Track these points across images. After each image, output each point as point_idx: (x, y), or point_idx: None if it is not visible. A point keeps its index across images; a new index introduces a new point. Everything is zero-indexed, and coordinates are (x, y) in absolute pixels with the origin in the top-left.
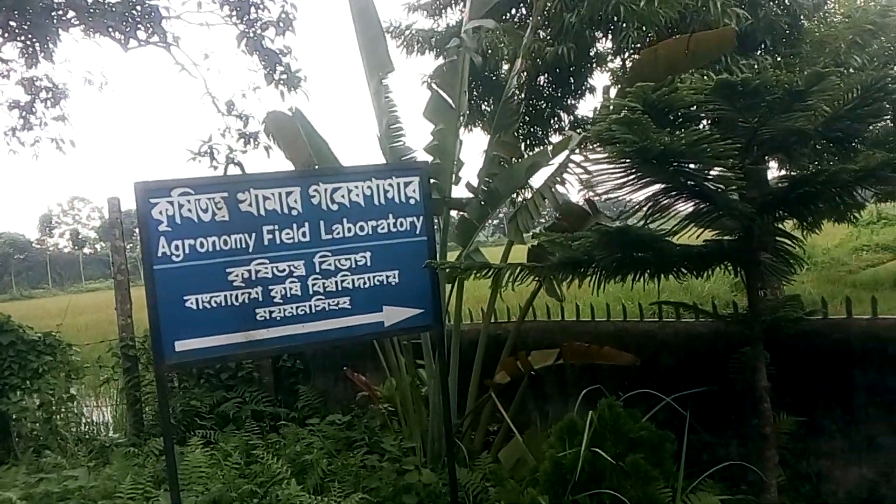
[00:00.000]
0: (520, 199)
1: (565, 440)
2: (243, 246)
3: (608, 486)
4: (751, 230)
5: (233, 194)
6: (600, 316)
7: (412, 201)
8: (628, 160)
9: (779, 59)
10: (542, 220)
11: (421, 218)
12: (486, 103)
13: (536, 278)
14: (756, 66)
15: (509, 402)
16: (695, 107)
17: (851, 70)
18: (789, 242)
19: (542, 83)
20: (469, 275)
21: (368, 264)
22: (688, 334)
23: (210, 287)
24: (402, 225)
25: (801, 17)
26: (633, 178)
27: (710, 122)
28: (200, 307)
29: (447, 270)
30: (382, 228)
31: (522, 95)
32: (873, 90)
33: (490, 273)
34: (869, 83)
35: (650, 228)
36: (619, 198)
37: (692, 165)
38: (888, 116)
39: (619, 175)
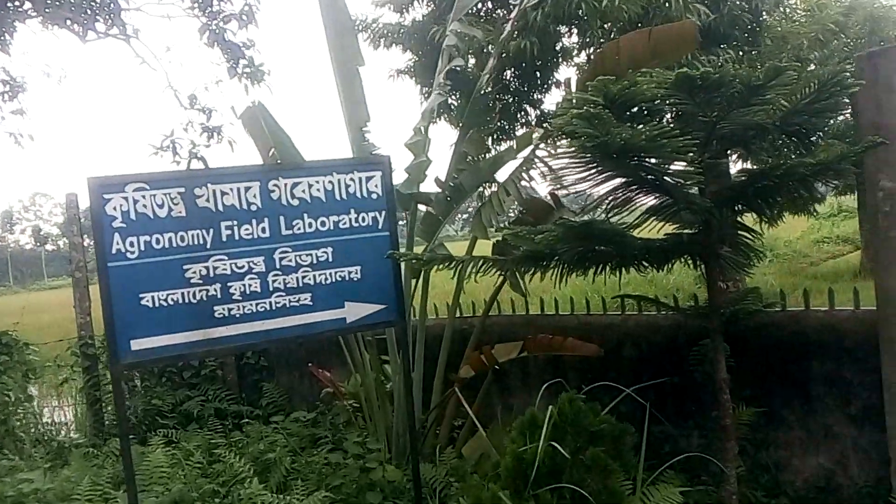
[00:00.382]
0: (487, 193)
1: (526, 435)
2: (201, 242)
3: (568, 480)
4: (710, 224)
5: (189, 189)
6: (565, 310)
7: (374, 196)
8: (589, 154)
9: (741, 54)
10: (511, 215)
11: (383, 213)
12: (452, 97)
13: (500, 272)
14: (718, 61)
15: (475, 397)
16: (658, 101)
17: (813, 66)
18: (748, 235)
19: (508, 78)
20: (431, 268)
21: (330, 260)
22: (650, 327)
23: (166, 284)
24: (364, 220)
25: (763, 13)
26: (594, 173)
27: (671, 116)
28: (157, 305)
29: (412, 264)
30: (344, 224)
31: (490, 90)
32: (829, 85)
33: (453, 266)
34: (826, 78)
35: (612, 222)
36: (582, 192)
37: (653, 160)
38: (846, 111)
39: (580, 169)
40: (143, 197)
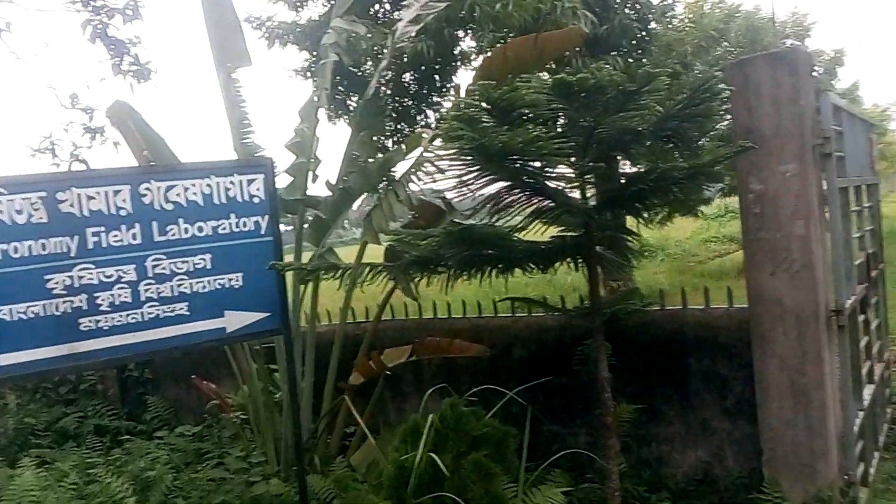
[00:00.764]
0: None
1: (408, 442)
2: (64, 250)
3: (450, 487)
4: (589, 226)
5: (52, 194)
6: (458, 313)
7: (256, 200)
8: (469, 157)
9: (631, 61)
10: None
11: (266, 217)
12: (350, 99)
13: (390, 278)
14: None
15: (367, 404)
16: (541, 106)
17: (698, 73)
18: (628, 237)
19: (408, 80)
20: (314, 276)
21: (208, 267)
22: (539, 328)
23: (26, 296)
24: (245, 225)
25: (652, 22)
26: (476, 175)
27: (554, 121)
28: (16, 318)
29: (297, 273)
30: (224, 229)
31: (389, 92)
32: (701, 91)
33: (340, 274)
34: (697, 85)
35: (496, 226)
36: (468, 195)
37: (536, 164)
38: (721, 116)
39: (462, 172)
40: (0, 203)
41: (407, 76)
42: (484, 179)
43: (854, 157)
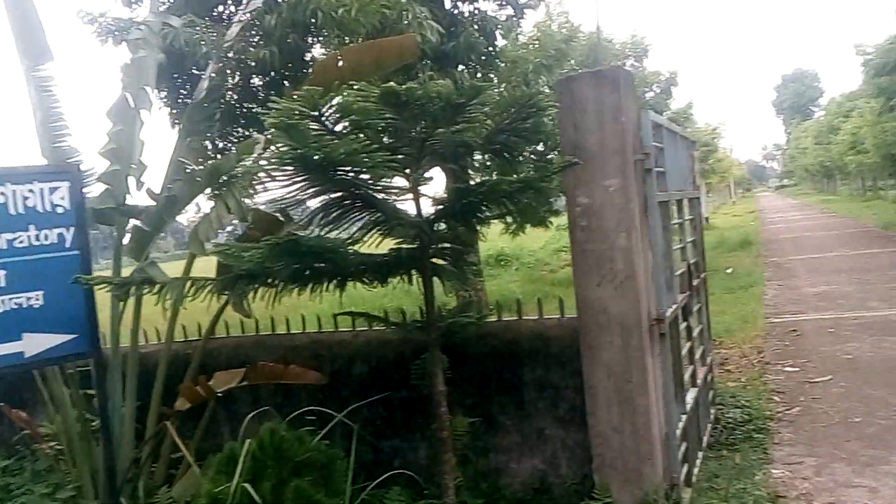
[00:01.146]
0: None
1: (224, 472)
2: None
3: None
4: (422, 239)
5: None
6: (298, 328)
7: (60, 210)
8: (290, 168)
9: (478, 76)
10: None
11: (71, 229)
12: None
13: (215, 292)
14: (434, 80)
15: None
16: (378, 115)
17: (546, 89)
18: (463, 249)
19: (257, 86)
20: (126, 292)
21: (2, 285)
22: (379, 343)
23: None
24: (46, 238)
25: (498, 39)
26: (302, 186)
27: (388, 131)
28: None
29: (109, 289)
30: (21, 242)
31: (236, 97)
32: (527, 106)
33: (158, 290)
34: (524, 100)
35: (326, 238)
36: (303, 207)
37: (366, 175)
38: (551, 131)
39: (285, 182)
40: None
41: (257, 81)
42: (311, 190)
43: (675, 172)
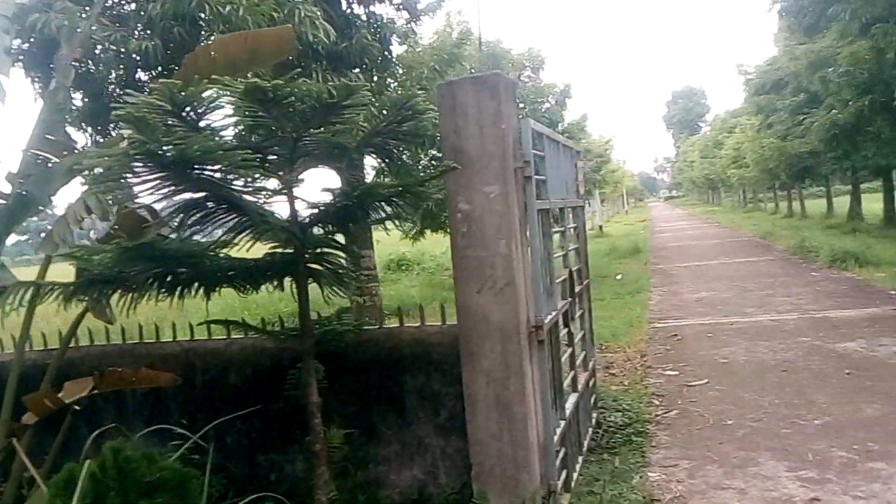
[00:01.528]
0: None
1: (62, 496)
2: None
3: None
4: (295, 243)
5: None
6: (169, 336)
7: None
8: (140, 164)
9: (375, 79)
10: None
11: None
12: (75, 97)
13: (67, 298)
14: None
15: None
16: (247, 112)
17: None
18: (340, 254)
19: (143, 80)
20: None
21: None
22: (254, 351)
23: None
24: None
25: (393, 43)
26: (156, 185)
27: (260, 130)
28: None
29: None
30: None
31: (119, 91)
32: (404, 109)
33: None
34: (401, 103)
35: (188, 242)
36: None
37: (232, 176)
38: (432, 135)
39: (137, 180)
40: None
41: (142, 76)
42: (166, 189)
43: (557, 180)
